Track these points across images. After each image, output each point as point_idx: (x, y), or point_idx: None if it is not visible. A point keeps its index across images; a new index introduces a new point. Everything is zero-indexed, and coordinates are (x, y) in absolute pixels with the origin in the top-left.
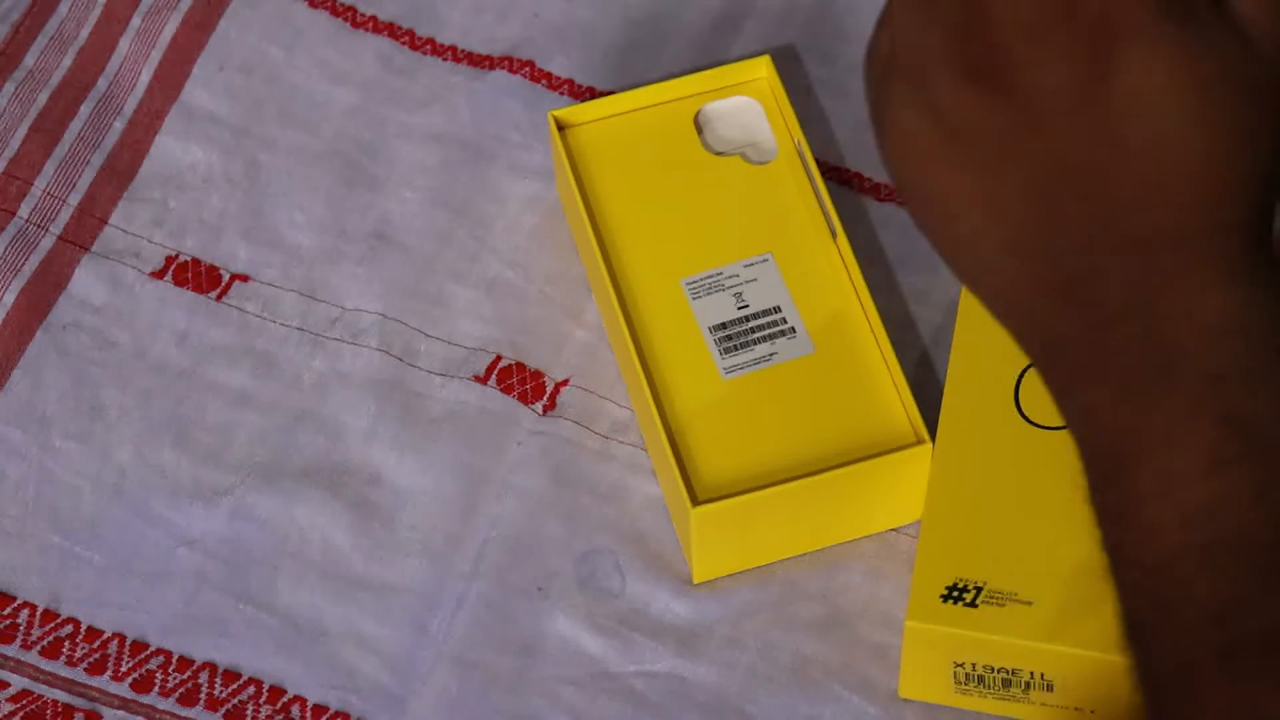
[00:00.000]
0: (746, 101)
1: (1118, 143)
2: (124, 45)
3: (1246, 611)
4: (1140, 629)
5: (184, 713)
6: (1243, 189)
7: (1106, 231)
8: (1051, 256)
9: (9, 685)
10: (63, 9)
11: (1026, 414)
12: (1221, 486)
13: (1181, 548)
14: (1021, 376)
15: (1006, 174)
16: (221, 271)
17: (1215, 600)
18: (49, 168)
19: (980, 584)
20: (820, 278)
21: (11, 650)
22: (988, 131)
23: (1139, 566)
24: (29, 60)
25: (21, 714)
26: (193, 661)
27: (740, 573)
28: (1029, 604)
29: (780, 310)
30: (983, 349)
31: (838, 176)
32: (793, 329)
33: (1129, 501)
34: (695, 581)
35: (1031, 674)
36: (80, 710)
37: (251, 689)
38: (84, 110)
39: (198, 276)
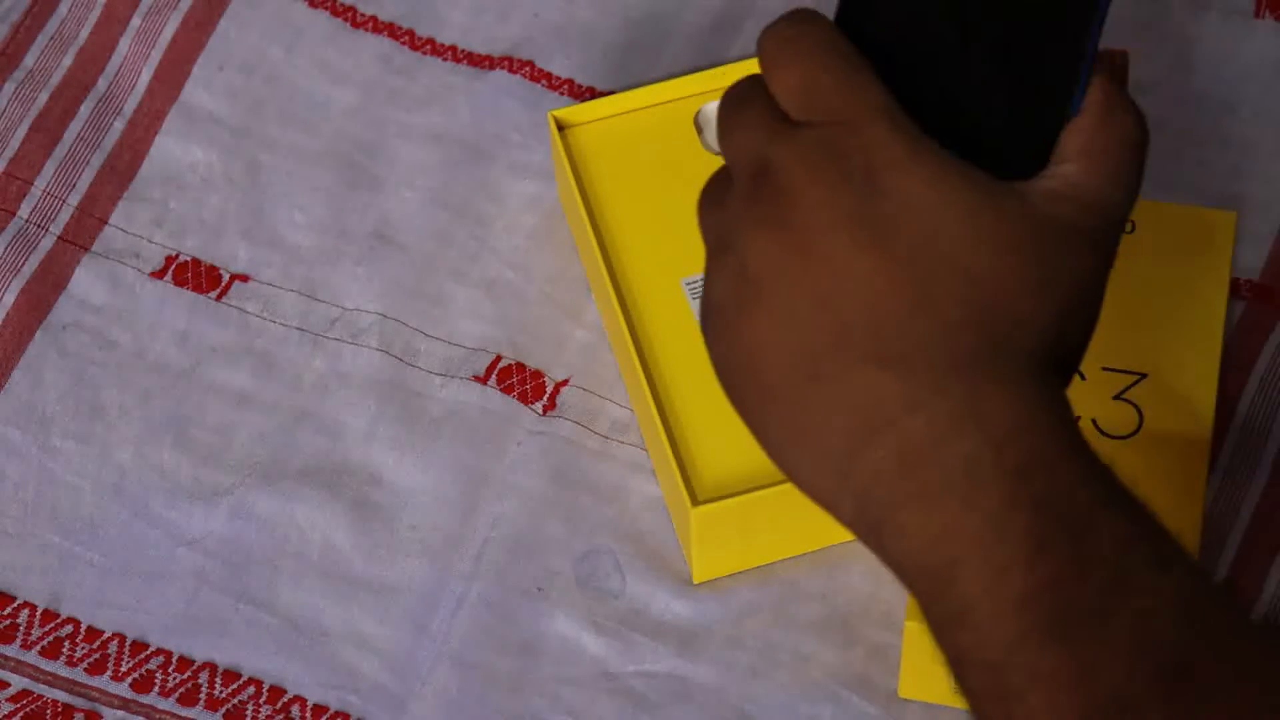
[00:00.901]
0: None
1: (889, 251)
2: (124, 45)
3: (1093, 679)
4: None
5: (184, 713)
6: (1008, 295)
7: (892, 339)
8: (849, 374)
9: (9, 685)
10: (63, 9)
11: None
12: (1048, 568)
13: (1020, 633)
14: None
15: (804, 295)
16: (221, 271)
17: (1062, 675)
18: (49, 168)
19: None
20: None
21: (11, 650)
22: (786, 262)
23: (981, 667)
24: (29, 60)
25: (21, 714)
26: (193, 661)
27: (740, 573)
28: None
29: None
30: None
31: None
32: None
33: (960, 607)
34: (695, 581)
35: None
36: (80, 710)
37: (251, 689)
38: (84, 110)
39: (198, 276)
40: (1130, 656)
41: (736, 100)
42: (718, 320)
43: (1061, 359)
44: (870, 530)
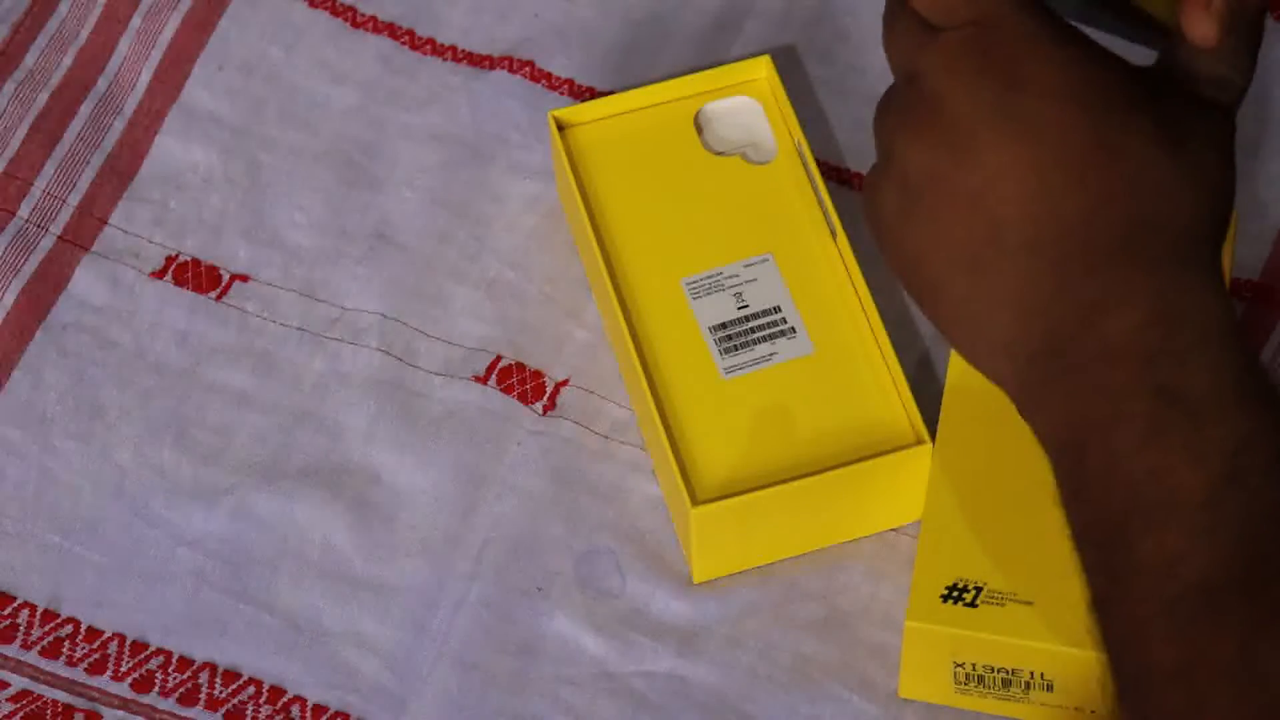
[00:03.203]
0: (746, 101)
1: (1036, 142)
2: (124, 45)
3: (1186, 565)
4: (1101, 603)
5: (184, 713)
6: (1154, 179)
7: (1043, 225)
8: (1005, 263)
9: (9, 685)
10: (63, 9)
11: None
12: (1159, 454)
13: (1125, 515)
14: None
15: (959, 194)
16: (221, 271)
17: (1157, 559)
18: (49, 168)
19: (980, 584)
20: (820, 278)
21: (11, 650)
22: (940, 165)
23: (1094, 543)
24: (29, 60)
25: (21, 714)
26: (193, 661)
27: (740, 573)
28: (1029, 604)
29: (780, 310)
30: None
31: (838, 176)
32: (793, 329)
33: (1081, 483)
34: (695, 581)
35: (1031, 674)
36: (80, 710)
37: (251, 689)
38: (84, 110)
39: (198, 276)
40: (1224, 550)
41: (886, 20)
42: (888, 230)
43: (1207, 235)
44: (1023, 404)
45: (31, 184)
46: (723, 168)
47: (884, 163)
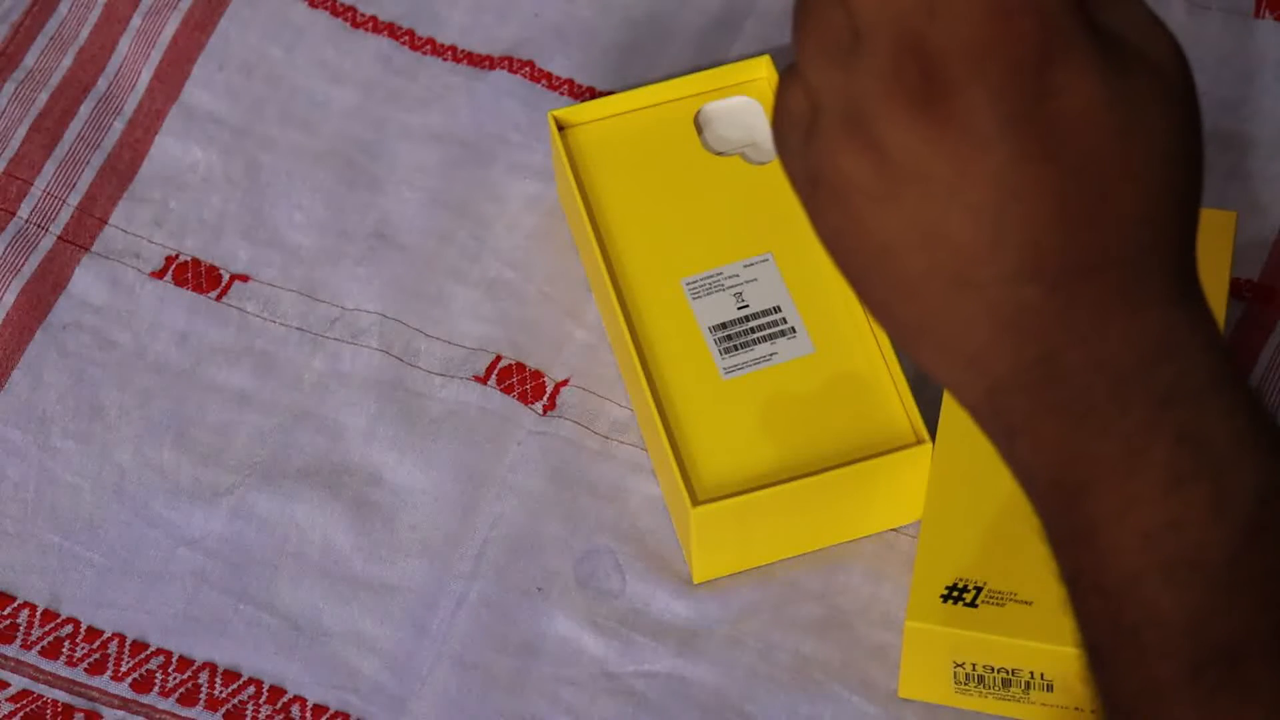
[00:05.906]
0: (746, 101)
1: (1059, 162)
2: (124, 45)
3: (1211, 627)
4: (1102, 655)
5: (184, 713)
6: (1169, 206)
7: (1052, 255)
8: (1000, 286)
9: (9, 685)
10: (63, 9)
11: None
12: (1180, 504)
13: (1143, 568)
14: None
15: (955, 202)
16: (221, 271)
17: (1180, 618)
18: (49, 168)
19: (980, 584)
20: (820, 278)
21: (11, 650)
22: (936, 161)
23: (1098, 591)
24: (29, 60)
25: (21, 714)
26: (193, 661)
27: (740, 573)
28: (1029, 604)
29: (780, 310)
30: None
31: None
32: (793, 329)
33: (1085, 527)
34: (695, 581)
35: (1031, 674)
36: (80, 710)
37: (251, 689)
38: (84, 110)
39: (198, 276)
40: (1252, 611)
41: None
42: (843, 200)
43: (1192, 258)
44: (1002, 433)
45: (31, 184)
46: (723, 168)
47: (846, 122)
